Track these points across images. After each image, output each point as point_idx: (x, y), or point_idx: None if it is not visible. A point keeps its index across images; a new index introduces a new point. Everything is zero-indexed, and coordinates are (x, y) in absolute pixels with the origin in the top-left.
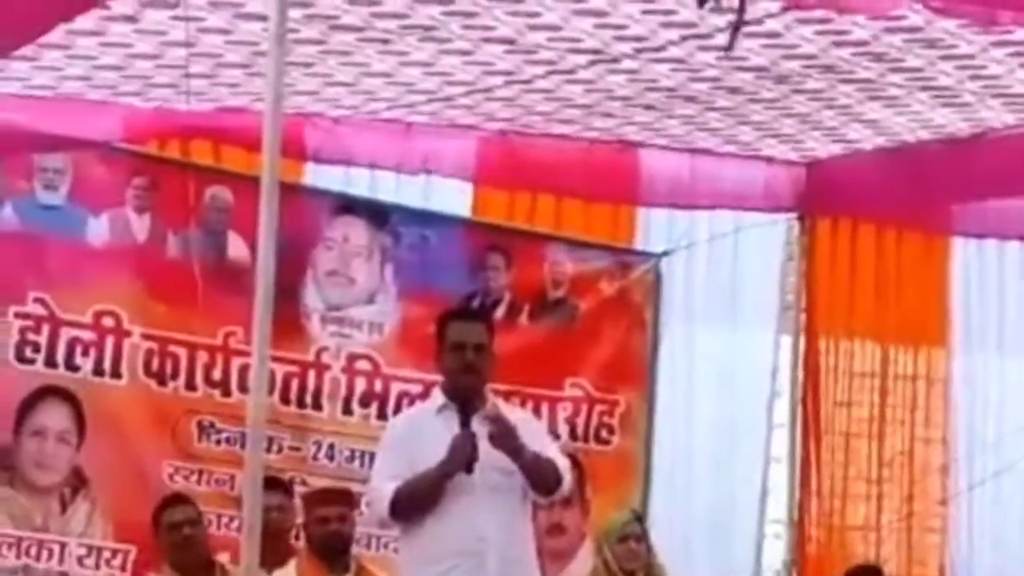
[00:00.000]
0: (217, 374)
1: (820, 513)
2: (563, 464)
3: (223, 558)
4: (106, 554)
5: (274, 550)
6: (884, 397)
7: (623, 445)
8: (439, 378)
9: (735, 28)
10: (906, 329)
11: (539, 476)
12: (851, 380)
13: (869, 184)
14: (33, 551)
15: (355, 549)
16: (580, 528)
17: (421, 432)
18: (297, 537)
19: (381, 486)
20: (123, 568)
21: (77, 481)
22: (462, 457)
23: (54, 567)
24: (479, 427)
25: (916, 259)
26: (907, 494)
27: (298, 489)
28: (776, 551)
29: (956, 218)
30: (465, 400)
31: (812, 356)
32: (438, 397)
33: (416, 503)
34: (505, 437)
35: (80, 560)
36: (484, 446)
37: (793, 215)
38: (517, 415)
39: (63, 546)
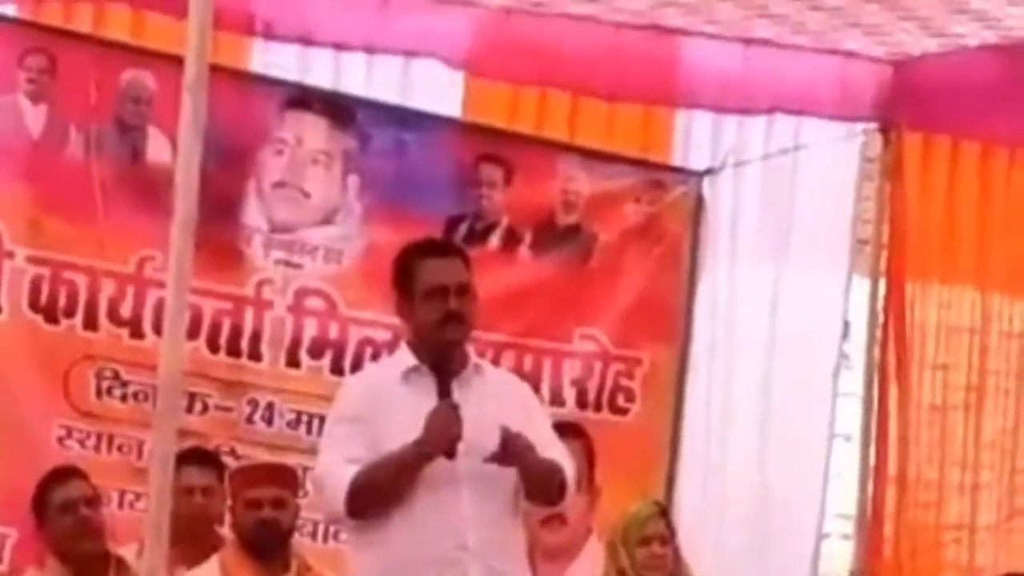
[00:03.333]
0: (126, 311)
1: (900, 508)
2: (567, 465)
3: (127, 552)
4: None
5: (196, 543)
6: (984, 360)
7: (645, 415)
8: None
9: None
10: (1015, 274)
11: (541, 485)
12: (945, 337)
13: (973, 90)
14: None
15: (297, 539)
16: (585, 520)
17: (384, 402)
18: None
19: (334, 471)
20: None
21: None
22: (443, 436)
23: None
24: (462, 396)
25: None
26: (1009, 485)
27: (227, 461)
28: (841, 555)
29: None
30: (446, 361)
31: (896, 305)
32: (403, 358)
33: (380, 495)
34: (516, 455)
35: None
36: (469, 423)
37: (874, 126)
38: (502, 379)
39: None
